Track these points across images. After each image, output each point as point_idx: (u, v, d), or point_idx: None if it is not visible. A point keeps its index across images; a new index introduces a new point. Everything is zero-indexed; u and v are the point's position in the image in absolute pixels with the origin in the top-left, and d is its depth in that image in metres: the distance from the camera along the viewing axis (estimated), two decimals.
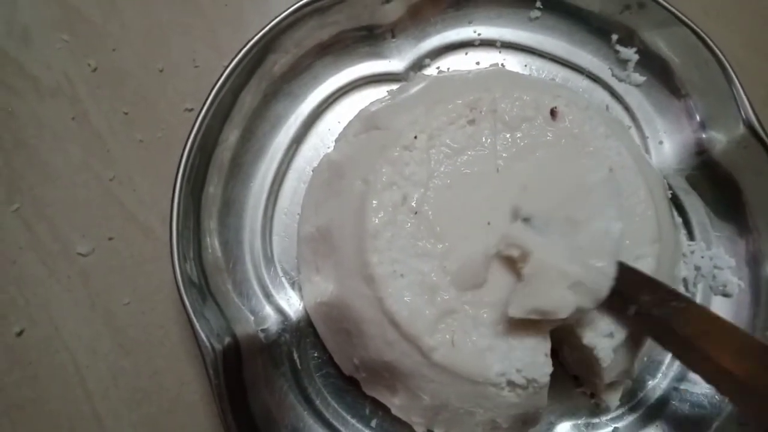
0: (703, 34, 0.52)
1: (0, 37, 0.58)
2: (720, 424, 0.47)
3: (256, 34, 0.51)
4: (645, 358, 0.50)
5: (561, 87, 0.55)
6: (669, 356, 0.50)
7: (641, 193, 0.46)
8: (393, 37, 0.57)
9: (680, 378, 0.50)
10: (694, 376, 0.49)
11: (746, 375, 0.34)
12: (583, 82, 0.58)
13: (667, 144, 0.56)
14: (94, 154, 0.56)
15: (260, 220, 0.53)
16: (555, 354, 0.42)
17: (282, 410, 0.47)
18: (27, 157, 0.55)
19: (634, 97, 0.57)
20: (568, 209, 0.42)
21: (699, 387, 0.49)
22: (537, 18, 0.58)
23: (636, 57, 0.57)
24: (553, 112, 0.48)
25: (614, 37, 0.57)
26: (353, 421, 0.49)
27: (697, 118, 0.54)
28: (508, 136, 0.48)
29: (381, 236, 0.43)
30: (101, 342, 0.51)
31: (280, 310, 0.50)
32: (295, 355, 0.50)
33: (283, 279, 0.52)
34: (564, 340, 0.45)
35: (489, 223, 0.44)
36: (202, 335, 0.43)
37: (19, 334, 0.51)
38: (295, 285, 0.52)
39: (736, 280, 0.51)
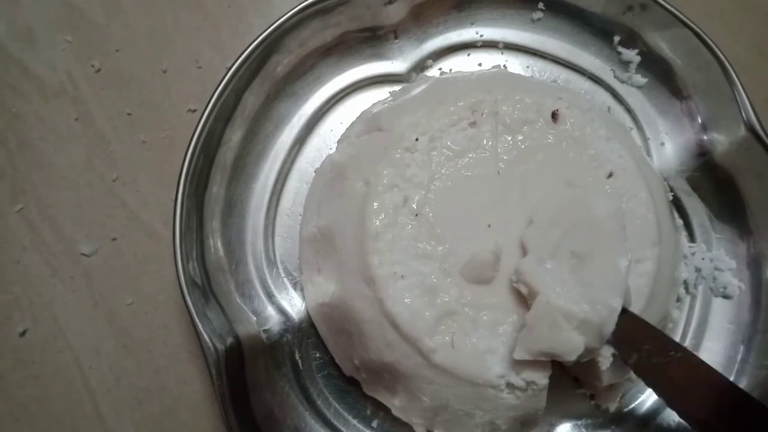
0: (705, 36, 0.52)
1: (4, 39, 0.59)
2: None
3: (259, 35, 0.51)
4: None
5: (563, 89, 0.55)
6: None
7: (642, 195, 0.46)
8: (395, 38, 0.57)
9: None
10: None
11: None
12: (585, 84, 0.58)
13: (668, 146, 0.56)
14: (97, 154, 0.56)
15: (263, 221, 0.53)
16: None
17: (284, 410, 0.48)
18: (31, 158, 0.55)
19: (636, 98, 0.57)
20: (575, 243, 0.41)
21: None
22: (539, 19, 0.58)
23: (638, 59, 0.57)
24: (554, 115, 0.48)
25: (616, 38, 0.57)
26: (354, 421, 0.49)
27: (699, 119, 0.54)
28: (509, 138, 0.48)
29: (382, 238, 0.44)
30: (104, 342, 0.51)
31: (282, 311, 0.51)
32: (297, 356, 0.50)
33: (286, 280, 0.52)
34: None
35: (489, 226, 0.44)
36: (205, 335, 0.43)
37: (23, 333, 0.51)
38: (297, 286, 0.52)
39: (736, 282, 0.51)
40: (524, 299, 0.42)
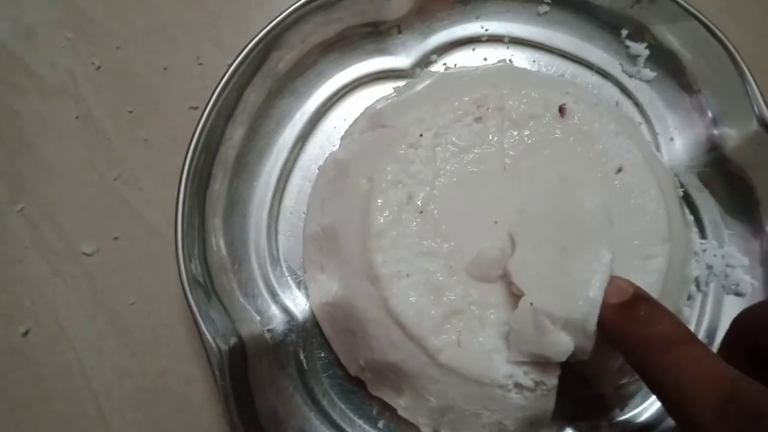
0: (715, 29, 0.51)
1: (5, 36, 0.58)
2: None
3: (260, 32, 0.50)
4: None
5: (570, 83, 0.55)
6: None
7: (652, 191, 0.45)
8: (399, 33, 0.57)
9: None
10: None
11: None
12: (593, 78, 0.57)
13: (678, 140, 0.55)
14: (98, 153, 0.55)
15: (265, 219, 0.52)
16: None
17: (288, 411, 0.47)
18: (31, 157, 0.55)
19: (645, 93, 0.56)
20: (562, 236, 0.41)
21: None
22: (545, 13, 0.58)
23: (647, 52, 0.56)
24: (561, 110, 0.47)
25: (624, 32, 0.56)
26: (360, 422, 0.48)
27: (709, 114, 0.53)
28: (515, 133, 0.47)
29: (386, 235, 0.43)
30: (106, 342, 0.51)
31: (286, 310, 0.50)
32: (302, 356, 0.49)
33: (289, 278, 0.51)
34: None
35: (496, 222, 0.44)
36: (208, 335, 0.43)
37: (25, 334, 0.51)
38: (301, 285, 0.51)
39: (749, 279, 0.50)
40: None
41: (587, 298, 0.38)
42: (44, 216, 0.54)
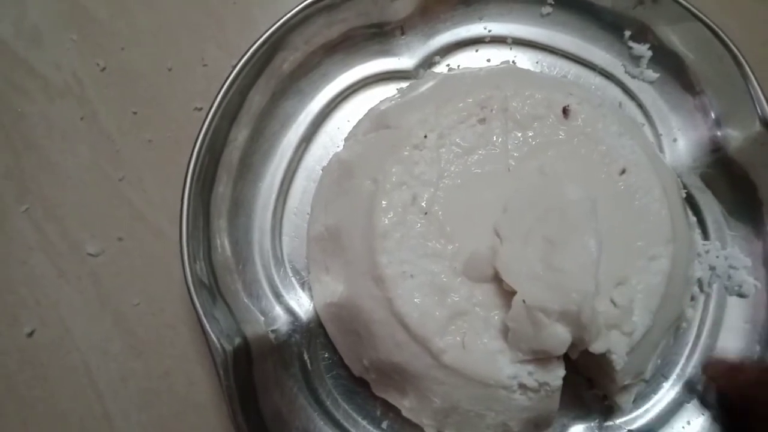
0: (717, 30, 0.51)
1: (10, 38, 0.59)
2: None
3: (265, 32, 0.50)
4: (659, 360, 0.49)
5: (573, 85, 0.55)
6: (683, 358, 0.50)
7: (655, 192, 0.45)
8: (402, 34, 0.57)
9: (695, 380, 0.49)
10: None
11: None
12: (596, 79, 0.57)
13: (681, 141, 0.55)
14: (103, 154, 0.56)
15: (270, 220, 0.53)
16: (567, 356, 0.41)
17: (292, 411, 0.47)
18: (36, 158, 0.55)
19: (648, 94, 0.56)
20: (547, 229, 0.41)
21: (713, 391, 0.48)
22: (548, 14, 0.58)
23: (649, 53, 0.56)
24: (565, 111, 0.47)
25: (627, 33, 0.56)
26: (364, 422, 0.48)
27: (712, 115, 0.53)
28: (519, 135, 0.47)
29: (390, 237, 0.43)
30: (111, 343, 0.51)
31: (290, 311, 0.50)
32: (306, 356, 0.49)
33: (293, 279, 0.52)
34: None
35: None
36: (212, 336, 0.43)
37: (30, 334, 0.51)
38: (305, 285, 0.51)
39: (752, 280, 0.50)
40: None
41: (580, 290, 0.38)
42: (49, 217, 0.54)
